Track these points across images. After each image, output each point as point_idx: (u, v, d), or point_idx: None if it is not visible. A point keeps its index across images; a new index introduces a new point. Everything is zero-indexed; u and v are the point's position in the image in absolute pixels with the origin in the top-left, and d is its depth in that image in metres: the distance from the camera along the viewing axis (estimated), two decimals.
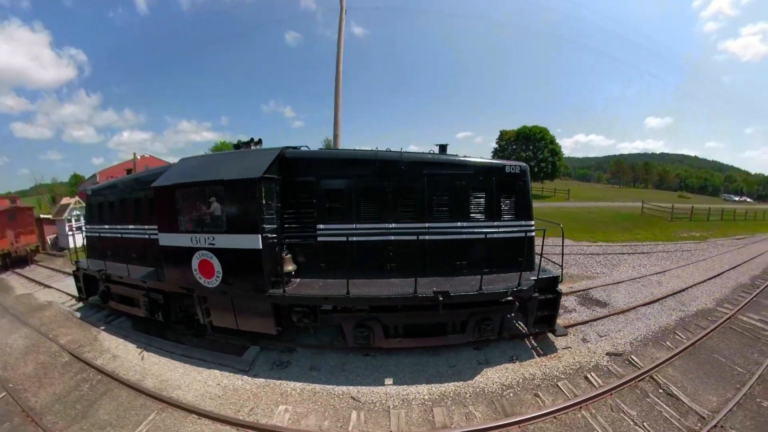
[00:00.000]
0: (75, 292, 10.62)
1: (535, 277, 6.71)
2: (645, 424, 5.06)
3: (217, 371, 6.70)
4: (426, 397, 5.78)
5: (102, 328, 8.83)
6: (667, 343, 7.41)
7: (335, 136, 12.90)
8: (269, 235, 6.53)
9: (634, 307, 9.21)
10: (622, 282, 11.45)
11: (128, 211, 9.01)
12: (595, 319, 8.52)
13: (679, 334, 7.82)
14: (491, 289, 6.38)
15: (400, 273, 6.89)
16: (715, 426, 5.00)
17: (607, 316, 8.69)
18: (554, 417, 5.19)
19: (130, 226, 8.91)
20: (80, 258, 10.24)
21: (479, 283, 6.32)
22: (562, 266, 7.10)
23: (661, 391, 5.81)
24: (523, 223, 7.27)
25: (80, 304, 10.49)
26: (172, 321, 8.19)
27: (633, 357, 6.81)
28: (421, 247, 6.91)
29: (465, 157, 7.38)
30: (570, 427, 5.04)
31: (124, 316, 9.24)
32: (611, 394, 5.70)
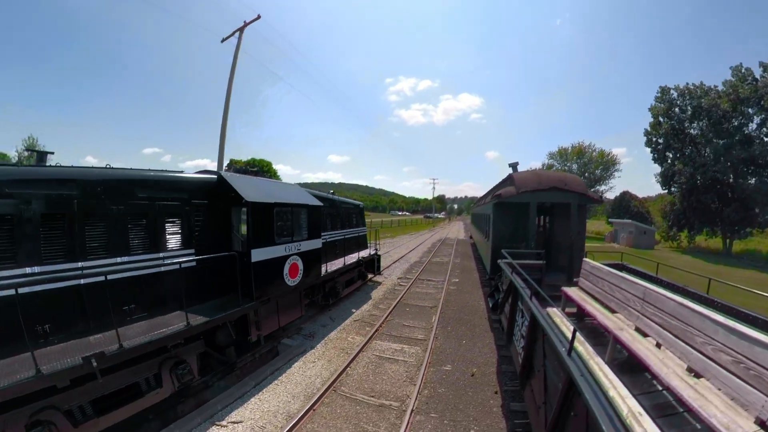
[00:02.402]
0: None
1: (376, 249, 15.63)
2: (430, 287, 15.27)
3: (296, 364, 7.77)
4: (371, 307, 12.24)
5: None
6: (413, 271, 18.82)
7: (220, 152, 16.65)
8: None
9: (391, 264, 20.18)
10: None
11: (116, 232, 5.51)
12: (381, 271, 18.53)
13: (415, 268, 19.49)
14: (374, 252, 14.60)
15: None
16: (448, 279, 16.25)
17: (386, 268, 18.97)
18: (408, 292, 14.07)
19: (118, 259, 5.48)
20: None
21: (368, 252, 14.33)
22: (378, 244, 16.44)
23: (426, 280, 16.43)
24: (364, 228, 15.97)
25: None
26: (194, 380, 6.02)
27: (407, 276, 17.21)
28: (344, 243, 13.19)
29: (347, 199, 15.17)
30: (413, 295, 14.07)
31: None
32: (413, 284, 15.53)
